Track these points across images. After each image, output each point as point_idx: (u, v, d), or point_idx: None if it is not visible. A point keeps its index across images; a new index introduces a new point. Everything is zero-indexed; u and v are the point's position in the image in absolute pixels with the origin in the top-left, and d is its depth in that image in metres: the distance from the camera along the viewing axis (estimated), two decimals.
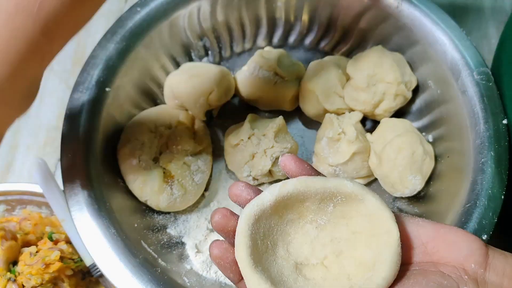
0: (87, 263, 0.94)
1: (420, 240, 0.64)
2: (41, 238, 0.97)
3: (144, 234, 0.98)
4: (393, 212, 0.64)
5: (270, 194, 0.64)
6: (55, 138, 1.16)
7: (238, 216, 0.65)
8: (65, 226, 0.95)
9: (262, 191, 0.66)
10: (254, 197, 0.65)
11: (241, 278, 0.64)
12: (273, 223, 0.65)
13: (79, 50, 1.26)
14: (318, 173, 0.68)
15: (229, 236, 0.65)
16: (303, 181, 0.64)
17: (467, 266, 0.61)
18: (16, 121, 1.14)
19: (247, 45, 1.20)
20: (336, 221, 0.66)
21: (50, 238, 0.96)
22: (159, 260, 0.93)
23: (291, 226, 0.67)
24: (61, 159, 0.92)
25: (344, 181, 0.64)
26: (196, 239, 1.01)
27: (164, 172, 1.00)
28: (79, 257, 0.95)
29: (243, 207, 0.65)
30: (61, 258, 0.93)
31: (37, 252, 0.93)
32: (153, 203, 1.00)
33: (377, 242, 0.63)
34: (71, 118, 0.95)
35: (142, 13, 1.04)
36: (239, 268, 0.62)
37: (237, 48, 1.20)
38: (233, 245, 0.64)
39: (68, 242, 0.97)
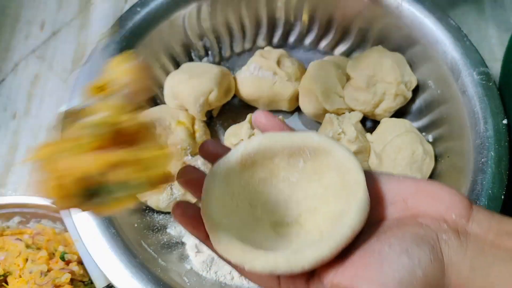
0: (98, 286, 0.94)
1: (400, 196, 0.61)
2: (53, 254, 0.97)
3: (144, 234, 0.98)
4: (369, 171, 0.63)
5: (236, 150, 0.63)
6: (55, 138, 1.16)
7: (204, 172, 0.65)
8: (79, 247, 0.95)
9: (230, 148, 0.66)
10: (223, 153, 0.65)
11: (207, 235, 0.62)
12: (243, 182, 0.64)
13: (79, 50, 1.26)
14: (291, 130, 0.68)
15: (196, 189, 0.64)
16: (269, 136, 0.64)
17: (447, 217, 0.58)
18: (16, 121, 1.15)
19: (247, 45, 1.20)
20: (308, 178, 0.65)
21: (62, 258, 0.96)
22: (159, 260, 0.93)
23: (264, 186, 0.65)
24: None
25: (310, 134, 0.63)
26: (196, 239, 1.00)
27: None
28: (89, 279, 0.95)
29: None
30: (72, 280, 0.94)
31: (48, 271, 0.93)
32: (153, 203, 1.00)
33: (347, 194, 0.61)
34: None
35: (142, 13, 1.04)
36: (203, 225, 0.61)
37: (237, 48, 1.20)
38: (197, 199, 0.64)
39: (80, 262, 0.97)
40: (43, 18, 1.30)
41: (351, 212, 0.57)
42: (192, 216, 0.62)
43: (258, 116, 0.67)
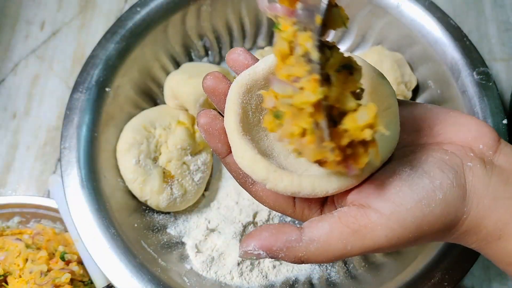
0: (98, 286, 0.94)
1: (426, 122, 0.61)
2: (53, 254, 0.98)
3: (144, 234, 0.97)
4: (400, 99, 0.61)
5: (263, 63, 0.62)
6: (55, 138, 1.16)
7: (229, 81, 0.63)
8: (79, 247, 0.96)
9: (258, 59, 0.64)
10: (251, 63, 0.63)
11: (229, 151, 0.61)
12: None
13: (79, 50, 1.26)
14: None
15: (220, 100, 0.63)
16: None
17: (474, 146, 0.58)
18: (16, 121, 1.15)
19: (247, 45, 1.20)
20: None
21: (62, 258, 0.96)
22: (159, 260, 0.93)
23: None
24: (61, 159, 0.92)
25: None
26: (196, 239, 1.01)
27: (164, 172, 1.00)
28: (89, 279, 0.96)
29: (238, 74, 0.63)
30: (72, 280, 0.94)
31: (48, 271, 0.94)
32: (153, 203, 0.99)
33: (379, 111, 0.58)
34: (71, 118, 0.95)
35: (142, 13, 1.04)
36: (227, 138, 0.60)
37: None
38: (222, 113, 0.62)
39: (80, 262, 0.97)
40: (43, 18, 1.30)
41: (382, 141, 0.56)
42: (217, 127, 0.61)
43: (235, 54, 0.64)
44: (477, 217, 0.55)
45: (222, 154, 0.62)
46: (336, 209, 0.59)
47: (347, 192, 0.57)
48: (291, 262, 0.56)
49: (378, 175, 0.57)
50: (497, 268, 0.60)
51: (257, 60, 0.64)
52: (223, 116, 0.61)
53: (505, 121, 0.94)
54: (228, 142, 0.60)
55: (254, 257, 0.56)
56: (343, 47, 1.18)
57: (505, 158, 0.57)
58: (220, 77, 0.62)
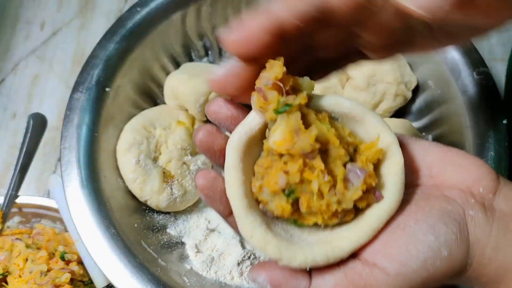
0: (98, 286, 0.94)
1: (424, 163, 0.59)
2: (53, 254, 0.98)
3: (144, 234, 0.97)
4: (395, 133, 0.59)
5: (258, 115, 0.56)
6: (55, 138, 1.16)
7: (225, 135, 0.59)
8: (79, 246, 0.96)
9: (243, 107, 0.60)
10: (235, 114, 0.58)
11: (231, 212, 0.57)
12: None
13: (79, 50, 1.26)
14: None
15: (215, 157, 0.59)
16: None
17: (474, 190, 0.57)
18: (16, 121, 1.15)
19: None
20: None
21: (62, 258, 0.96)
22: (159, 260, 0.93)
23: None
24: (61, 159, 0.92)
25: (340, 99, 0.58)
26: (196, 239, 1.01)
27: (164, 172, 1.00)
28: (89, 279, 0.96)
29: (223, 127, 0.60)
30: (72, 280, 0.94)
31: (48, 271, 0.94)
32: (153, 203, 1.00)
33: (381, 170, 0.58)
34: (71, 118, 0.95)
35: (142, 13, 1.04)
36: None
37: None
38: (219, 165, 0.59)
39: (80, 262, 0.97)
40: (43, 18, 1.30)
41: (389, 194, 0.56)
42: (218, 190, 0.57)
43: (216, 106, 0.59)
44: (479, 266, 0.55)
45: (225, 214, 0.60)
46: None
47: None
48: None
49: (385, 230, 0.56)
50: None
51: (241, 108, 0.60)
52: (220, 174, 0.58)
53: (505, 121, 0.94)
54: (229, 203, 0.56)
55: (261, 286, 0.56)
56: None
57: (505, 201, 0.57)
58: (213, 132, 0.58)
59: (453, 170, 0.58)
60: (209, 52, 1.18)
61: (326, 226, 0.56)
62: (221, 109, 0.58)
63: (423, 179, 0.59)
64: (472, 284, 0.58)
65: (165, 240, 1.00)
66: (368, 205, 0.56)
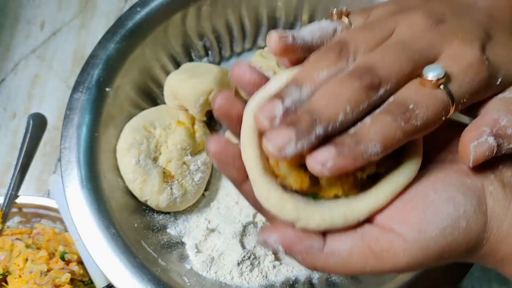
0: (98, 286, 0.94)
1: (443, 137, 0.59)
2: (53, 254, 0.98)
3: (144, 234, 0.97)
4: None
5: (278, 81, 0.55)
6: (55, 138, 1.16)
7: (244, 101, 0.57)
8: (79, 246, 0.96)
9: (267, 76, 0.59)
10: (257, 80, 0.57)
11: (246, 177, 0.56)
12: None
13: (79, 50, 1.26)
14: None
15: (232, 124, 0.57)
16: None
17: (494, 166, 0.56)
18: (16, 121, 1.16)
19: (247, 45, 1.19)
20: None
21: (62, 258, 0.96)
22: (159, 260, 0.93)
23: None
24: (61, 159, 0.92)
25: None
26: (196, 239, 1.00)
27: (164, 172, 1.00)
28: (89, 279, 0.96)
29: (245, 91, 0.59)
30: (72, 280, 0.94)
31: (48, 271, 0.94)
32: (153, 203, 0.99)
33: None
34: (71, 118, 0.95)
35: (142, 13, 1.04)
36: (243, 163, 0.55)
37: (237, 48, 1.19)
38: (235, 134, 0.57)
39: (80, 262, 0.97)
40: (43, 18, 1.30)
41: (406, 156, 0.55)
42: (230, 154, 0.56)
43: (240, 70, 0.59)
44: (496, 241, 0.55)
45: (238, 181, 0.58)
46: None
47: None
48: (306, 267, 0.56)
49: (404, 198, 0.55)
50: None
51: (264, 76, 0.59)
52: (234, 139, 0.58)
53: None
54: (244, 168, 0.56)
55: (271, 248, 0.55)
56: None
57: None
58: (231, 98, 0.57)
59: None
60: (209, 52, 1.17)
61: (346, 197, 0.55)
62: (245, 74, 0.58)
63: (442, 154, 0.59)
64: (486, 262, 0.58)
65: (165, 240, 1.00)
66: (387, 171, 0.55)
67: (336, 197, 0.54)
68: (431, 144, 0.59)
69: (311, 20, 1.16)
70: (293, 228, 0.54)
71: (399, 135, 0.50)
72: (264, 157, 0.54)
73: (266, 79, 0.58)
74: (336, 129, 0.49)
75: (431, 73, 0.52)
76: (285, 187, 0.54)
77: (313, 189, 0.54)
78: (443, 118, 0.53)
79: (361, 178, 0.54)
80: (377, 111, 0.51)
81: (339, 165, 0.48)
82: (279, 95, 0.51)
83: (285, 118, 0.50)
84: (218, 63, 1.18)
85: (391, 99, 0.52)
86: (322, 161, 0.48)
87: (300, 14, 1.15)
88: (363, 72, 0.51)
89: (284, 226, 0.54)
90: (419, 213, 0.53)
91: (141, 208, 1.02)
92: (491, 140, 0.53)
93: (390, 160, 0.55)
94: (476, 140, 0.53)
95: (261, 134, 0.53)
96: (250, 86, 0.58)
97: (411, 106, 0.51)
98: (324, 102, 0.50)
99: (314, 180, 0.53)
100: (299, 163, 0.52)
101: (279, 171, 0.53)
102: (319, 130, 0.48)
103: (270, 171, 0.55)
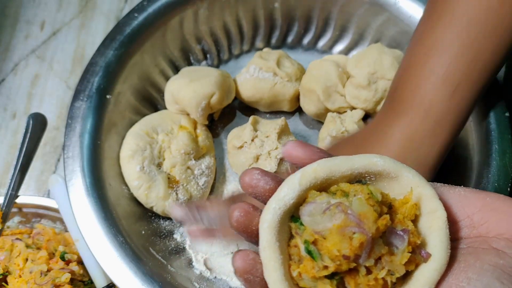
0: (98, 286, 0.95)
1: (464, 212, 0.54)
2: (53, 254, 0.98)
3: (152, 241, 0.98)
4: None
5: (290, 189, 0.51)
6: (55, 138, 1.16)
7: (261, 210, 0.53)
8: (79, 246, 0.96)
9: (279, 177, 0.55)
10: (272, 186, 0.53)
11: None
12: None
13: (78, 50, 1.26)
14: (330, 155, 0.55)
15: (252, 236, 0.53)
16: (324, 165, 0.52)
17: None
18: (16, 121, 1.15)
19: (245, 47, 1.20)
20: None
21: (62, 258, 0.96)
22: (168, 267, 0.94)
23: None
24: (65, 169, 0.92)
25: (373, 158, 0.53)
26: (203, 243, 1.01)
27: (168, 178, 1.00)
28: (89, 279, 0.96)
29: (260, 200, 0.54)
30: (72, 280, 0.94)
31: (48, 271, 0.94)
32: (159, 209, 1.00)
33: (420, 226, 0.53)
34: (73, 126, 0.95)
35: (140, 18, 1.04)
36: None
37: (236, 51, 1.19)
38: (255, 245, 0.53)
39: (80, 262, 0.98)
40: (43, 18, 1.30)
41: (436, 251, 0.52)
42: (259, 274, 0.52)
43: (293, 149, 0.55)
44: None
45: None
46: None
47: None
48: None
49: None
50: None
51: (276, 177, 0.55)
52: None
53: (507, 114, 0.95)
54: None
55: None
56: (341, 46, 1.19)
57: None
58: (250, 211, 0.53)
59: (496, 217, 0.54)
60: (208, 55, 1.17)
61: None
62: (259, 182, 0.54)
63: (465, 231, 0.55)
64: None
65: (172, 246, 1.01)
66: (416, 267, 0.52)
67: None
68: (451, 219, 0.55)
69: (308, 20, 1.16)
70: None
71: None
72: (287, 272, 0.51)
73: (278, 181, 0.54)
74: None
75: None
76: None
77: None
78: None
79: (391, 282, 0.51)
80: None
81: None
82: None
83: None
84: (217, 66, 1.18)
85: None
86: None
87: (297, 14, 1.15)
88: None
89: None
90: None
91: (147, 214, 1.02)
92: None
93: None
94: None
95: (282, 250, 0.51)
96: (265, 194, 0.54)
97: None
98: None
99: (341, 287, 0.51)
100: (323, 274, 0.49)
101: (303, 283, 0.51)
102: None
103: (295, 282, 0.52)
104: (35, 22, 1.30)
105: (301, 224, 0.51)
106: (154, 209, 1.01)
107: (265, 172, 0.54)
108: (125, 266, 0.86)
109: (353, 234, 0.48)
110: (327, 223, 0.49)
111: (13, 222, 1.04)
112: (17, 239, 0.99)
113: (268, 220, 0.51)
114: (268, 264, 0.50)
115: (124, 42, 1.02)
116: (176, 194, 1.00)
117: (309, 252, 0.49)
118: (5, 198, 1.00)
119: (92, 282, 0.96)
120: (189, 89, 1.03)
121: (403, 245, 0.50)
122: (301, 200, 0.52)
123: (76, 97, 0.97)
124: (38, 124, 1.06)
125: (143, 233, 0.97)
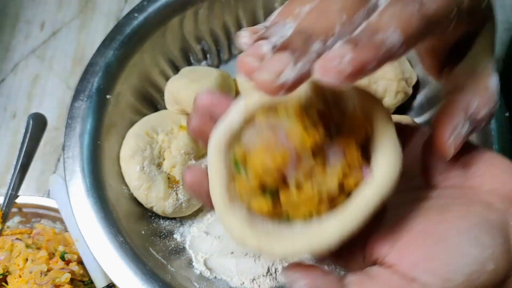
0: (98, 286, 0.95)
1: (461, 162, 0.52)
2: (53, 254, 0.98)
3: (152, 241, 0.98)
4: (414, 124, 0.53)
5: (237, 112, 0.51)
6: (55, 138, 1.16)
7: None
8: (79, 246, 0.96)
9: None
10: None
11: None
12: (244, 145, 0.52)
13: (79, 50, 1.26)
14: None
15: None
16: None
17: None
18: (16, 121, 1.16)
19: None
20: None
21: (62, 258, 0.96)
22: (168, 266, 0.94)
23: None
24: (65, 169, 0.92)
25: None
26: (203, 243, 1.02)
27: (168, 178, 1.00)
28: (89, 279, 0.96)
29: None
30: (72, 280, 0.94)
31: (48, 271, 0.94)
32: (159, 209, 1.00)
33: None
34: (73, 127, 0.95)
35: (140, 18, 1.03)
36: None
37: (236, 51, 1.19)
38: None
39: (80, 262, 0.98)
40: (43, 18, 1.30)
41: (378, 166, 0.48)
42: (205, 189, 0.52)
43: (202, 99, 0.54)
44: None
45: (212, 208, 0.54)
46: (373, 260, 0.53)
47: (380, 241, 0.51)
48: None
49: (419, 233, 0.50)
50: None
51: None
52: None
53: (507, 114, 0.95)
54: None
55: None
56: None
57: None
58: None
59: (492, 171, 0.53)
60: (208, 56, 1.18)
61: (318, 215, 0.50)
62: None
63: (458, 179, 0.53)
64: None
65: (172, 246, 1.01)
66: (357, 185, 0.49)
67: (311, 216, 0.50)
68: (447, 164, 0.53)
69: None
70: (322, 272, 0.50)
71: (416, 20, 0.43)
72: (234, 187, 0.51)
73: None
74: (336, 41, 0.42)
75: None
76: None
77: (277, 213, 0.51)
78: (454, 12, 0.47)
79: (330, 195, 0.49)
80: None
81: (359, 58, 0.40)
82: (262, 37, 0.45)
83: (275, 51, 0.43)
84: (217, 66, 1.18)
85: None
86: (340, 55, 0.39)
87: None
88: None
89: (310, 270, 0.50)
90: (444, 260, 0.49)
91: (147, 214, 1.02)
92: (466, 126, 0.49)
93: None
94: (455, 131, 0.49)
95: (227, 164, 0.52)
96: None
97: None
98: (314, 18, 0.43)
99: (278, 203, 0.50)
100: (260, 186, 0.49)
101: (242, 198, 0.51)
102: (316, 45, 0.41)
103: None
104: (35, 22, 1.30)
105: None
106: (154, 209, 1.00)
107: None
108: (125, 266, 0.86)
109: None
110: (256, 140, 0.49)
111: (13, 222, 1.04)
112: (17, 239, 0.99)
113: (214, 138, 0.51)
114: (212, 179, 0.51)
115: (124, 42, 1.02)
116: (176, 194, 1.00)
117: (237, 168, 0.50)
118: (5, 198, 1.00)
119: (92, 282, 0.96)
120: (189, 89, 1.03)
121: (336, 161, 0.48)
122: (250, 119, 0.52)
123: (76, 97, 0.97)
124: (38, 124, 1.06)
125: (143, 233, 0.97)
